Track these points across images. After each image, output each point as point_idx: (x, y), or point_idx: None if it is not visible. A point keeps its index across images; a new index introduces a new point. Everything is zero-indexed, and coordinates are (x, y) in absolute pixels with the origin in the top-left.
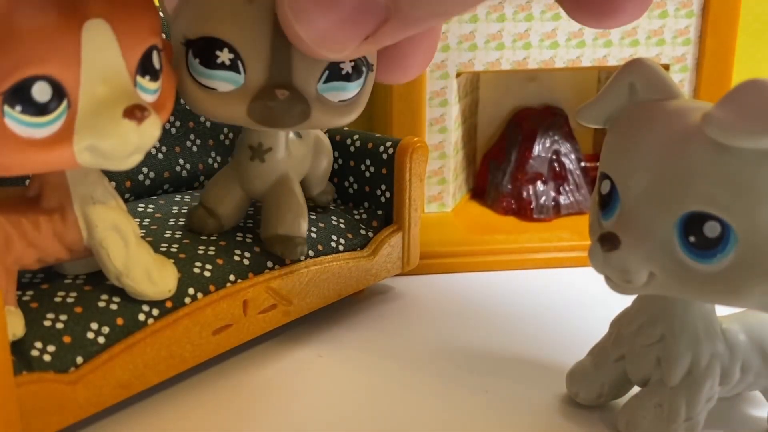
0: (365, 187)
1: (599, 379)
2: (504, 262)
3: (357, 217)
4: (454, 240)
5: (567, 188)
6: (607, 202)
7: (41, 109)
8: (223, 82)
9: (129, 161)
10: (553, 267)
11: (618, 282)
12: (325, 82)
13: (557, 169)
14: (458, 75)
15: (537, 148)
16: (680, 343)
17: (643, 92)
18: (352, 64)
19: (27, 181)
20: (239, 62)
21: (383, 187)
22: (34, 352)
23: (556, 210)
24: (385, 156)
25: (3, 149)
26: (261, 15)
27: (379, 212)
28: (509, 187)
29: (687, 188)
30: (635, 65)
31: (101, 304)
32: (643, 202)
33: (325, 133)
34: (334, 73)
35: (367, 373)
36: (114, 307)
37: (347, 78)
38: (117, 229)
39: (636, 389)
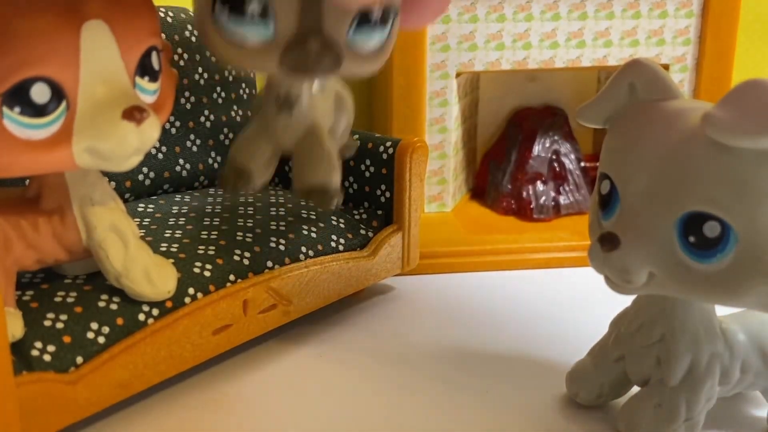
0: (365, 187)
1: (599, 379)
2: (504, 262)
3: (357, 217)
4: (454, 240)
5: (567, 188)
6: (607, 202)
7: (40, 111)
8: (253, 33)
9: (128, 162)
10: (553, 267)
11: (618, 282)
12: (355, 29)
13: (557, 169)
14: (458, 75)
15: (537, 148)
16: (680, 344)
17: (643, 92)
18: (381, 10)
19: (26, 182)
20: (269, 11)
21: (383, 187)
22: (34, 352)
23: (556, 210)
24: (385, 156)
25: (2, 151)
26: None
27: (379, 212)
28: (509, 187)
29: (687, 188)
30: (635, 65)
31: (101, 304)
32: (643, 202)
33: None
34: (364, 20)
35: (367, 372)
36: (114, 307)
37: (376, 25)
38: (116, 231)
39: (636, 389)
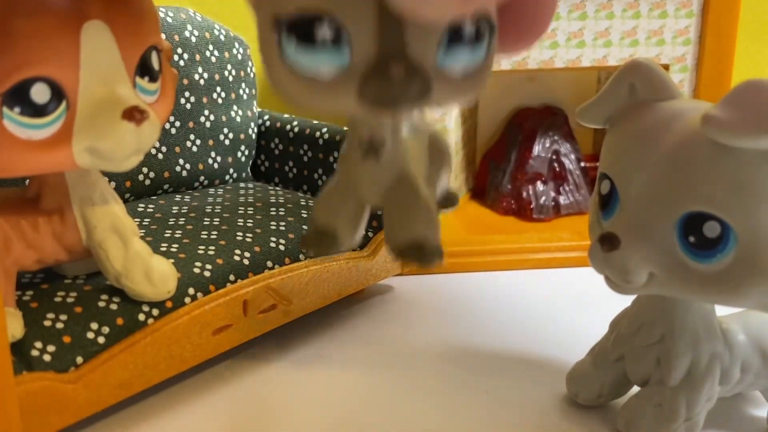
0: None
1: (599, 379)
2: (504, 262)
3: None
4: (454, 240)
5: (567, 188)
6: (607, 202)
7: (40, 111)
8: (326, 62)
9: (128, 162)
10: (553, 267)
11: (618, 282)
12: (446, 50)
13: (557, 169)
14: None
15: (537, 148)
16: (680, 344)
17: (643, 93)
18: (474, 24)
19: (26, 182)
20: (343, 36)
21: None
22: (34, 352)
23: (556, 210)
24: None
25: (2, 151)
26: None
27: (379, 212)
28: (509, 187)
29: (687, 188)
30: (635, 66)
31: (101, 304)
32: (643, 202)
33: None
34: (455, 38)
35: (367, 373)
36: (114, 307)
37: (470, 43)
38: (116, 231)
39: (636, 389)
